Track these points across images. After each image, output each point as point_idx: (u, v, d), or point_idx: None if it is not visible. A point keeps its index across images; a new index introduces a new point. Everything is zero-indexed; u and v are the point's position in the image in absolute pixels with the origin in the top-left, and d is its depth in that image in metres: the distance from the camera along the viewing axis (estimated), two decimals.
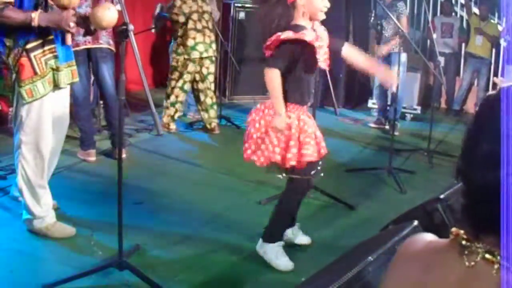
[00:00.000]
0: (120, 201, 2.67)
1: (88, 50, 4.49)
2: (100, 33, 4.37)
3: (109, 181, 3.96)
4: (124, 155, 4.51)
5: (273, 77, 2.78)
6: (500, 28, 7.40)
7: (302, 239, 3.27)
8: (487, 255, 0.87)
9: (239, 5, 7.19)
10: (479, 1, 7.79)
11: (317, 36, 2.86)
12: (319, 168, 3.01)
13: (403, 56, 6.10)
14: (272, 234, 3.02)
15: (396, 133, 6.08)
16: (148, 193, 4.02)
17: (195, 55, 5.51)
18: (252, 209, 3.80)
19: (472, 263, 0.88)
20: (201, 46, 5.52)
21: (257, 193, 4.06)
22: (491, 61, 7.65)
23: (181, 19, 5.46)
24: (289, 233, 3.22)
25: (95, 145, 4.76)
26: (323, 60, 2.88)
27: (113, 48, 4.61)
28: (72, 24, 2.78)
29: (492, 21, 7.62)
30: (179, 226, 3.47)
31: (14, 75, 2.91)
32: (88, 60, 4.57)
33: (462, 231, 0.92)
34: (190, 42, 5.47)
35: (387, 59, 6.19)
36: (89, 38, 4.35)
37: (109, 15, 2.79)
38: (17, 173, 3.15)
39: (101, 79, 4.63)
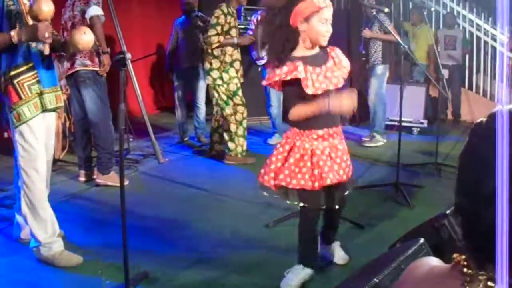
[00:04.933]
0: (124, 227, 2.63)
1: (71, 75, 4.58)
2: (76, 57, 4.48)
3: (115, 208, 3.93)
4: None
5: (293, 113, 2.79)
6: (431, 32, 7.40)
7: (339, 258, 3.22)
8: (489, 283, 0.83)
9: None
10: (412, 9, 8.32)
11: (316, 61, 2.78)
12: (326, 197, 2.91)
13: (379, 69, 6.33)
14: (301, 256, 2.98)
15: (372, 145, 6.41)
16: (155, 219, 4.00)
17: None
18: (260, 232, 3.77)
19: None
20: None
21: (264, 216, 4.02)
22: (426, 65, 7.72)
23: None
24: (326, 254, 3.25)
25: (84, 167, 4.90)
26: (318, 85, 2.72)
27: (92, 68, 4.55)
28: (47, 34, 2.91)
29: (424, 25, 7.59)
30: (187, 251, 3.44)
31: (6, 101, 3.05)
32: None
33: (463, 257, 0.89)
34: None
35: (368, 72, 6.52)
36: (68, 64, 4.54)
37: (85, 38, 2.96)
38: (19, 198, 3.19)
39: (84, 104, 4.66)
